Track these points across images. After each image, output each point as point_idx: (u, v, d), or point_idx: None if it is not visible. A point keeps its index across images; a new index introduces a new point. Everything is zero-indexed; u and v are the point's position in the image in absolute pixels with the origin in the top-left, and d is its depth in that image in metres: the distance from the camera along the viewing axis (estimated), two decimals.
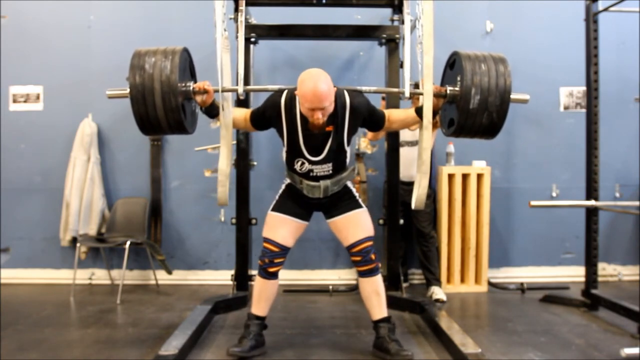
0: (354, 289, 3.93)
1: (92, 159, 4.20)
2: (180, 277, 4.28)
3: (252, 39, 3.54)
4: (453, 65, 2.49)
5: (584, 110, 3.97)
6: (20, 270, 4.30)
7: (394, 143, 3.60)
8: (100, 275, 4.29)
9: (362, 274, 2.67)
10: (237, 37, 2.62)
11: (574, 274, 4.23)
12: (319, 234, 4.20)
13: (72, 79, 4.30)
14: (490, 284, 4.04)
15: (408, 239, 4.07)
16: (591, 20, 3.37)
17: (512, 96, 2.34)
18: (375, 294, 2.66)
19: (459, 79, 2.38)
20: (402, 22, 3.14)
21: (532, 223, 4.31)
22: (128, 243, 3.78)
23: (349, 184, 2.76)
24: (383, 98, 3.71)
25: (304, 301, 3.76)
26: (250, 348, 2.59)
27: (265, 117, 2.61)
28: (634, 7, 3.47)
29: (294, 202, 2.71)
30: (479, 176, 4.03)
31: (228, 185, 2.69)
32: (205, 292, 4.00)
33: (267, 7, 3.76)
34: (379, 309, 2.66)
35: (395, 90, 3.06)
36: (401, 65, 3.46)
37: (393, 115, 2.66)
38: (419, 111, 2.50)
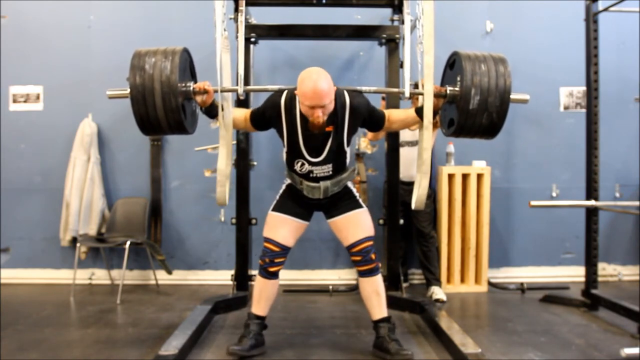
0: (354, 289, 3.93)
1: (92, 159, 4.21)
2: (180, 277, 4.28)
3: (252, 39, 3.54)
4: (453, 65, 2.49)
5: (584, 110, 3.97)
6: (20, 270, 4.30)
7: (394, 143, 3.60)
8: (100, 275, 4.30)
9: (362, 274, 2.67)
10: (237, 37, 2.62)
11: (574, 274, 4.24)
12: (319, 234, 4.20)
13: (72, 79, 4.30)
14: (490, 284, 4.04)
15: (408, 239, 4.07)
16: (591, 20, 3.37)
17: (512, 96, 2.34)
18: (375, 294, 2.66)
19: (458, 79, 2.38)
20: (402, 22, 3.14)
21: (532, 223, 4.31)
22: (128, 243, 3.78)
23: (349, 184, 2.76)
24: (383, 98, 3.71)
25: (304, 301, 3.76)
26: (250, 347, 2.59)
27: (265, 117, 2.61)
28: (634, 7, 3.47)
29: (294, 202, 2.71)
30: (479, 176, 4.03)
31: (228, 185, 2.69)
32: (205, 292, 4.00)
33: (267, 7, 3.76)
34: (379, 308, 2.66)
35: (395, 90, 3.06)
36: (401, 65, 3.46)
37: (393, 115, 2.66)
38: (419, 111, 2.50)
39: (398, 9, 3.56)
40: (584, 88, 3.67)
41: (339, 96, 2.49)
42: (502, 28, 4.32)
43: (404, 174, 3.72)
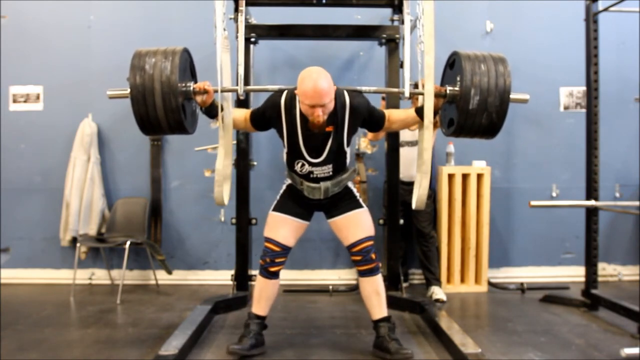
0: (354, 289, 3.93)
1: (92, 159, 4.21)
2: (180, 277, 4.28)
3: (252, 39, 3.54)
4: (453, 65, 2.49)
5: (584, 110, 3.97)
6: (20, 270, 4.30)
7: (394, 143, 3.60)
8: (100, 275, 4.29)
9: (362, 274, 2.67)
10: (237, 37, 2.62)
11: (574, 274, 4.24)
12: (319, 234, 4.20)
13: (72, 79, 4.30)
14: (490, 284, 4.04)
15: (408, 239, 4.07)
16: (591, 20, 3.37)
17: (512, 96, 2.34)
18: (375, 294, 2.66)
19: (458, 79, 2.38)
20: (402, 22, 3.13)
21: (532, 223, 4.31)
22: (128, 243, 3.78)
23: (350, 184, 2.76)
24: (383, 98, 3.71)
25: (304, 301, 3.76)
26: (250, 347, 2.59)
27: (265, 117, 2.61)
28: (634, 7, 3.47)
29: (294, 202, 2.71)
30: (479, 176, 4.03)
31: (229, 185, 2.69)
32: (205, 292, 4.00)
33: (267, 7, 3.76)
34: (379, 308, 2.66)
35: (395, 90, 3.06)
36: (401, 65, 3.46)
37: (393, 115, 2.66)
38: (419, 111, 2.50)
39: (398, 9, 3.56)
40: (584, 88, 3.67)
41: (338, 96, 2.49)
42: (502, 28, 4.32)
43: (404, 174, 3.73)
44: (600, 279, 3.59)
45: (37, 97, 4.33)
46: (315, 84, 2.33)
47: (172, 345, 2.48)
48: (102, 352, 2.70)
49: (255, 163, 3.95)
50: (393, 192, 3.62)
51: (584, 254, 3.51)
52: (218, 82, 2.50)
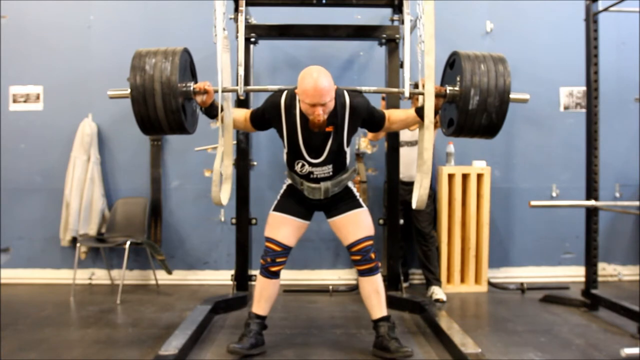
0: (354, 289, 3.93)
1: (92, 159, 4.21)
2: (180, 277, 4.28)
3: (252, 39, 3.54)
4: (453, 65, 2.49)
5: (584, 110, 3.98)
6: (20, 270, 4.30)
7: (394, 143, 3.60)
8: (100, 275, 4.29)
9: (361, 273, 2.67)
10: (237, 37, 2.62)
11: (574, 274, 4.24)
12: (319, 234, 4.20)
13: (72, 79, 4.30)
14: (490, 284, 4.04)
15: (408, 239, 4.07)
16: (591, 20, 3.37)
17: (512, 96, 2.34)
18: (374, 293, 2.66)
19: (458, 79, 2.38)
20: (402, 22, 3.14)
21: (532, 223, 4.31)
22: (128, 243, 3.78)
23: (350, 184, 2.76)
24: (383, 98, 3.71)
25: (304, 301, 3.76)
26: (250, 346, 2.60)
27: (265, 117, 2.61)
28: (634, 7, 3.47)
29: (295, 202, 2.71)
30: (479, 176, 4.03)
31: (229, 185, 2.70)
32: (205, 292, 4.00)
33: (267, 7, 3.76)
34: (378, 308, 2.67)
35: (395, 90, 3.06)
36: (401, 65, 3.46)
37: (393, 115, 2.66)
38: (419, 111, 2.51)
39: (398, 9, 3.55)
40: (584, 88, 3.67)
41: (339, 96, 2.49)
42: (502, 28, 4.32)
43: (404, 174, 3.73)
44: (600, 279, 3.59)
45: (37, 97, 4.33)
46: (316, 82, 2.33)
47: (172, 345, 2.48)
48: (102, 352, 2.70)
49: (255, 163, 3.95)
50: (393, 192, 3.62)
51: (584, 254, 3.51)
52: (218, 82, 2.50)
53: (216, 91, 2.49)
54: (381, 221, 3.64)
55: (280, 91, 2.58)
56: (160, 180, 4.31)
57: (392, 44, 3.54)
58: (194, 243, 4.34)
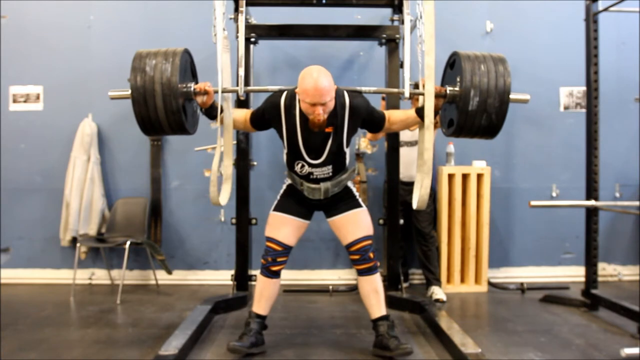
0: (354, 289, 3.93)
1: (92, 159, 4.21)
2: (180, 277, 4.28)
3: (252, 39, 3.54)
4: (453, 65, 2.49)
5: (584, 110, 3.98)
6: (20, 270, 4.30)
7: (394, 143, 3.60)
8: (100, 275, 4.29)
9: (360, 273, 2.67)
10: (237, 37, 2.62)
11: (574, 274, 4.24)
12: (319, 234, 4.20)
13: (72, 79, 4.30)
14: (490, 284, 4.04)
15: (408, 239, 4.07)
16: (591, 20, 3.37)
17: (512, 96, 2.34)
18: (374, 292, 2.66)
19: (458, 79, 2.38)
20: (402, 22, 3.14)
21: (532, 223, 4.31)
22: (128, 243, 3.78)
23: (350, 183, 2.76)
24: (383, 98, 3.71)
25: (304, 301, 3.76)
26: (250, 344, 2.60)
27: (265, 117, 2.61)
28: (634, 7, 3.47)
29: (295, 202, 2.72)
30: (479, 176, 4.03)
31: (230, 185, 2.70)
32: (205, 292, 4.00)
33: (267, 7, 3.76)
34: (377, 307, 2.67)
35: (395, 90, 3.06)
36: (401, 65, 3.46)
37: (393, 116, 2.66)
38: (419, 111, 2.51)
39: (398, 9, 3.55)
40: (584, 88, 3.67)
41: (339, 96, 2.49)
42: (502, 28, 4.31)
43: (404, 174, 3.73)
44: (600, 279, 3.59)
45: (37, 97, 4.33)
46: (316, 82, 2.33)
47: (172, 345, 2.48)
48: (102, 352, 2.70)
49: (255, 163, 3.94)
50: (393, 192, 3.62)
51: (584, 254, 3.51)
52: (218, 82, 2.50)
53: (216, 92, 2.49)
54: (381, 221, 3.64)
55: (280, 91, 2.58)
56: (160, 180, 4.31)
57: (392, 44, 3.54)
58: (194, 243, 4.34)
